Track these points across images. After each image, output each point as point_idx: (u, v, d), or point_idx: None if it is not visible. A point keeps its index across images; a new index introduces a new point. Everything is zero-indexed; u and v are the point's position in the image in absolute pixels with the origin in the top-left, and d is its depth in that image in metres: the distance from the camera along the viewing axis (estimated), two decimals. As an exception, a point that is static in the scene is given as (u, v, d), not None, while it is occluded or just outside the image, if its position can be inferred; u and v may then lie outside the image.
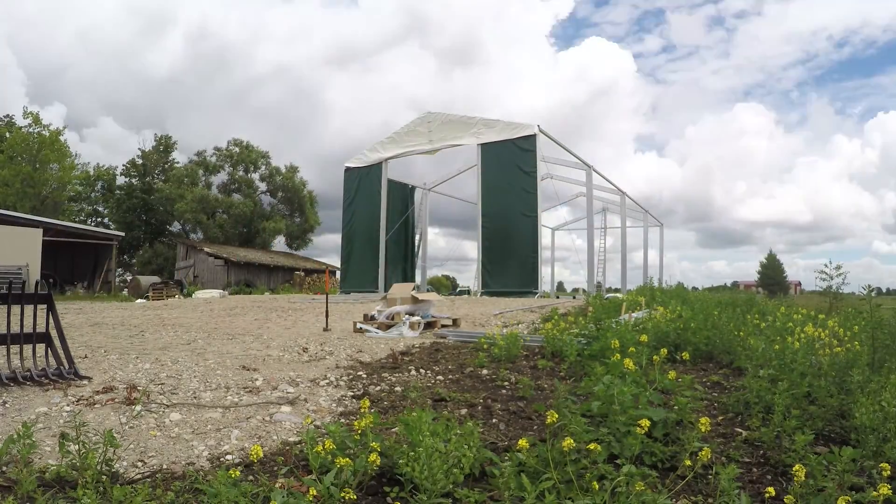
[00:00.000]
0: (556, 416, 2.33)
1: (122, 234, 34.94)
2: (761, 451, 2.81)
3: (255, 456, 2.10)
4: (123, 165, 44.31)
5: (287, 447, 2.93)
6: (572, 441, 2.07)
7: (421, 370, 4.95)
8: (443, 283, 50.24)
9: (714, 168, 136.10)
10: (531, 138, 16.40)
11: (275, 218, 44.45)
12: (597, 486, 2.00)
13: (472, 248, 19.24)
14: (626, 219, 23.86)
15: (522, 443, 2.23)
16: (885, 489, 1.72)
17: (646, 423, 2.29)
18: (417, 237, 19.84)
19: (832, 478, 2.19)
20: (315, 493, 2.01)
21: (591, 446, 2.14)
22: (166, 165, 44.65)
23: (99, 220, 44.36)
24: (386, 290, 15.85)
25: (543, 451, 2.30)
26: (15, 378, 3.91)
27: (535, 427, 3.30)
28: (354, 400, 3.93)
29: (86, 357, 5.09)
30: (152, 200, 42.94)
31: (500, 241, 16.64)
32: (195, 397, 3.80)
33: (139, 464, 2.67)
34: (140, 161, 43.86)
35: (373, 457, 2.12)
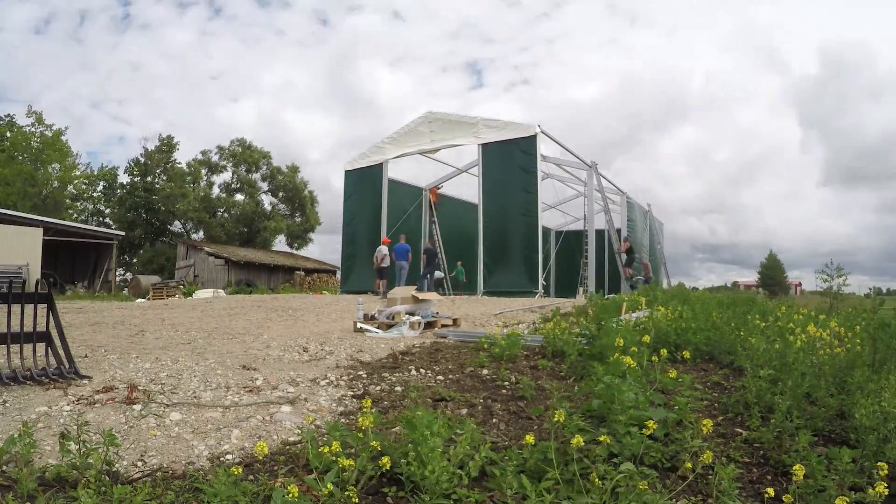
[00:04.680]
0: (562, 415, 2.33)
1: (123, 233, 34.97)
2: (761, 452, 2.81)
3: (259, 452, 2.11)
4: (126, 164, 44.48)
5: (287, 447, 2.93)
6: (581, 439, 2.07)
7: (421, 370, 4.94)
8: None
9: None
10: (532, 138, 16.40)
11: (276, 218, 44.54)
12: (599, 483, 2.00)
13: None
14: (626, 218, 23.83)
15: (529, 438, 2.22)
16: (880, 487, 1.72)
17: (652, 423, 2.30)
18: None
19: (832, 478, 2.19)
20: (315, 493, 2.01)
21: (600, 443, 2.13)
22: (168, 165, 44.71)
23: (100, 219, 44.42)
24: (385, 291, 15.83)
25: (542, 451, 2.30)
26: (15, 377, 3.91)
27: (536, 427, 3.29)
28: (355, 399, 3.93)
29: (86, 356, 5.10)
30: (154, 199, 43.00)
31: (501, 240, 16.64)
32: (195, 397, 3.80)
33: (139, 463, 2.67)
34: (142, 160, 43.94)
35: (384, 460, 2.12)
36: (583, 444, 2.09)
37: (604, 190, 20.33)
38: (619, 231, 20.93)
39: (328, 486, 2.11)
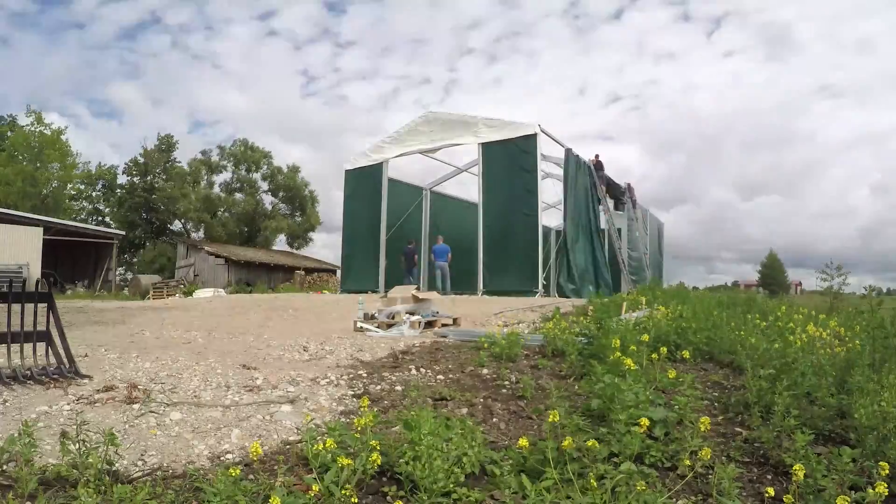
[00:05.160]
0: (556, 415, 2.33)
1: (123, 233, 34.98)
2: (761, 451, 2.81)
3: (254, 454, 2.11)
4: (125, 164, 44.50)
5: (287, 446, 2.94)
6: (572, 441, 2.08)
7: (421, 369, 4.95)
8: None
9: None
10: (532, 137, 16.39)
11: (276, 217, 44.60)
12: (596, 485, 2.00)
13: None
14: (626, 217, 23.84)
15: (523, 442, 2.23)
16: (881, 488, 1.72)
17: (645, 422, 2.30)
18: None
19: (832, 478, 2.19)
20: (315, 491, 2.01)
21: (590, 443, 2.14)
22: (167, 164, 44.73)
23: (100, 219, 44.44)
24: (386, 290, 15.84)
25: (542, 451, 2.30)
26: (15, 377, 3.91)
27: (536, 426, 3.30)
28: (355, 399, 3.94)
29: (86, 356, 5.10)
30: (154, 199, 43.01)
31: (501, 240, 16.62)
32: (195, 396, 3.81)
33: (139, 462, 2.67)
34: (142, 160, 43.95)
35: (374, 456, 2.12)
36: (574, 445, 2.09)
37: (604, 186, 20.33)
38: (619, 230, 20.93)
39: (327, 484, 2.11)
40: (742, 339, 5.05)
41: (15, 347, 4.30)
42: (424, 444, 2.25)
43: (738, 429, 3.19)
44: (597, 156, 19.21)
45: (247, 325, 8.48)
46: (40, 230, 25.26)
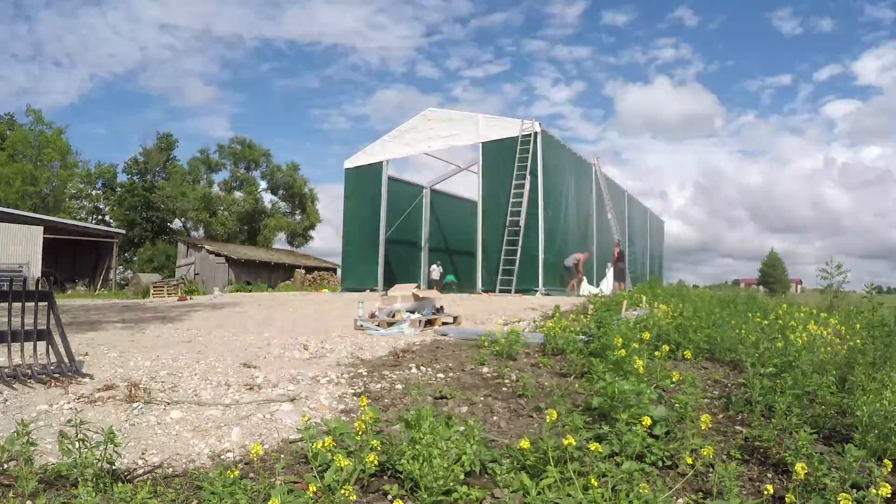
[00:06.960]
0: (554, 414, 2.33)
1: (123, 231, 34.98)
2: (761, 450, 2.81)
3: (254, 454, 2.10)
4: (125, 163, 44.51)
5: (288, 444, 2.93)
6: (573, 440, 2.07)
7: (421, 367, 4.94)
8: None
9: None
10: (533, 136, 16.38)
11: (276, 215, 44.61)
12: (596, 484, 2.00)
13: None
14: (626, 217, 23.84)
15: (524, 444, 2.23)
16: (886, 489, 1.72)
17: (648, 420, 2.30)
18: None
19: (832, 476, 2.19)
20: (315, 490, 2.01)
21: (593, 446, 2.13)
22: (167, 163, 44.71)
23: (100, 217, 44.42)
24: (386, 289, 15.84)
25: (542, 450, 2.30)
26: (16, 375, 3.91)
27: (536, 425, 3.29)
28: (355, 397, 3.93)
29: (87, 354, 5.10)
30: (153, 198, 43.01)
31: (501, 238, 16.61)
32: (196, 395, 3.81)
33: (140, 461, 2.67)
34: (141, 159, 43.92)
35: (372, 457, 2.12)
36: (574, 444, 2.09)
37: (606, 186, 20.32)
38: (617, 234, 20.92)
39: (327, 483, 2.11)
40: (743, 338, 5.05)
41: (15, 346, 4.30)
42: (424, 442, 2.25)
43: (739, 427, 3.19)
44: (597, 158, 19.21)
45: (247, 324, 8.47)
46: (40, 229, 25.26)
